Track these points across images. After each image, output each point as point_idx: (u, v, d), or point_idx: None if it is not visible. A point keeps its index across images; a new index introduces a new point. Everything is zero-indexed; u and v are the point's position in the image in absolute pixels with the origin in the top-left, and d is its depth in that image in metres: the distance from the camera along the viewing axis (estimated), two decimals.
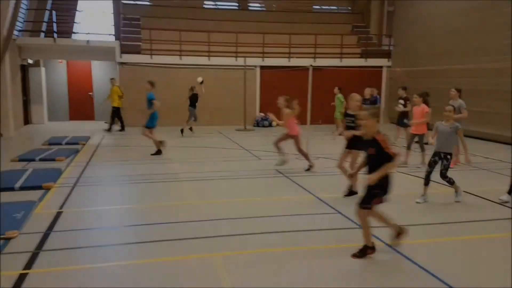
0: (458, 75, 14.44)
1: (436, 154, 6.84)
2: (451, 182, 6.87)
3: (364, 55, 19.01)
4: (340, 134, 8.08)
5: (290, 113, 8.86)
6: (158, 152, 10.72)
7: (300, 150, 9.06)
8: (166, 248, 5.01)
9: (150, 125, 10.72)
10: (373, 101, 12.62)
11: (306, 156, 9.10)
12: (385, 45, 19.98)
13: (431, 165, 6.88)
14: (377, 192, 4.57)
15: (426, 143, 12.32)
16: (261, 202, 6.97)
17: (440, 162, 6.80)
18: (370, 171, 4.60)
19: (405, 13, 18.07)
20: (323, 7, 23.08)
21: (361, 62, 18.74)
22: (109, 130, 15.46)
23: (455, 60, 14.69)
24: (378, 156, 4.51)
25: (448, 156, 6.76)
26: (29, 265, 4.44)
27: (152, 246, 5.10)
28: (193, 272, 4.37)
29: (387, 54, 19.15)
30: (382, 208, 4.85)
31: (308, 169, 9.07)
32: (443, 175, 6.80)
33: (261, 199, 7.13)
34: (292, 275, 4.33)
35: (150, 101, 10.57)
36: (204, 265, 4.49)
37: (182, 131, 14.61)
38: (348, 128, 7.10)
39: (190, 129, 15.17)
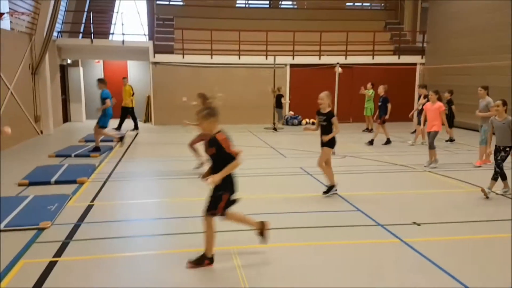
0: (490, 72, 14.09)
1: (497, 149, 7.03)
2: (503, 177, 6.98)
3: (397, 52, 18.75)
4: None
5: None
6: (97, 149, 10.92)
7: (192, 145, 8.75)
8: (190, 240, 5.23)
9: (102, 124, 10.80)
10: (385, 99, 12.33)
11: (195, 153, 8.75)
12: (419, 42, 19.63)
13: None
14: (221, 194, 4.40)
15: (454, 140, 12.31)
16: (280, 198, 7.07)
17: (499, 154, 6.98)
18: (214, 172, 4.39)
19: (440, 9, 17.68)
20: (356, 4, 22.90)
21: (394, 59, 18.48)
22: (118, 128, 15.08)
23: (490, 57, 14.32)
24: (220, 157, 4.36)
25: (507, 149, 6.94)
26: (59, 253, 4.75)
27: (178, 238, 5.38)
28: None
29: (421, 51, 18.82)
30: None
31: (197, 167, 8.64)
32: (499, 166, 6.93)
33: (280, 196, 7.23)
34: (306, 269, 4.47)
35: (103, 99, 10.65)
36: (221, 258, 4.67)
37: (275, 129, 15.70)
38: (321, 126, 7.04)
39: (275, 129, 15.71)
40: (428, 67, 17.92)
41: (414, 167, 9.37)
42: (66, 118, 17.99)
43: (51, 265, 4.44)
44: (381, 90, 12.45)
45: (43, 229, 5.42)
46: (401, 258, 4.74)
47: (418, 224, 5.75)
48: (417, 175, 8.78)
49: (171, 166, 9.60)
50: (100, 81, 10.95)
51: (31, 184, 7.67)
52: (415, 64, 18.51)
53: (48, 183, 7.74)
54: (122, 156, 10.59)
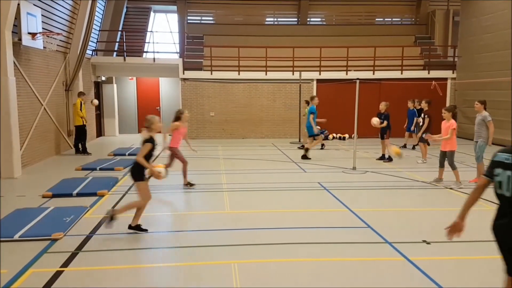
0: None
1: None
2: None
3: (427, 67, 18.41)
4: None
5: (174, 126, 8.84)
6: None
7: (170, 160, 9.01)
8: (195, 253, 5.33)
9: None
10: (386, 116, 11.95)
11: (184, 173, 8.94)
12: (450, 57, 19.22)
13: None
14: None
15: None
16: (291, 213, 7.09)
17: None
18: None
19: (472, 22, 17.28)
20: (386, 19, 22.72)
21: (423, 74, 18.15)
22: (83, 151, 13.61)
23: None
24: None
25: None
26: (66, 264, 4.94)
27: (184, 251, 5.48)
28: (214, 276, 4.63)
29: (452, 66, 18.41)
30: None
31: (187, 184, 8.88)
32: None
33: (292, 211, 7.24)
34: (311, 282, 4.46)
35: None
36: (222, 272, 4.73)
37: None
38: None
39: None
40: (460, 81, 17.50)
41: (435, 183, 9.13)
42: (100, 132, 18.63)
43: (56, 275, 4.62)
44: (382, 107, 12.11)
45: (55, 240, 5.65)
46: (401, 277, 4.64)
47: (428, 243, 5.63)
48: (437, 192, 8.55)
49: (190, 179, 9.75)
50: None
51: (54, 196, 8.00)
52: (446, 79, 18.10)
53: (70, 195, 8.06)
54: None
